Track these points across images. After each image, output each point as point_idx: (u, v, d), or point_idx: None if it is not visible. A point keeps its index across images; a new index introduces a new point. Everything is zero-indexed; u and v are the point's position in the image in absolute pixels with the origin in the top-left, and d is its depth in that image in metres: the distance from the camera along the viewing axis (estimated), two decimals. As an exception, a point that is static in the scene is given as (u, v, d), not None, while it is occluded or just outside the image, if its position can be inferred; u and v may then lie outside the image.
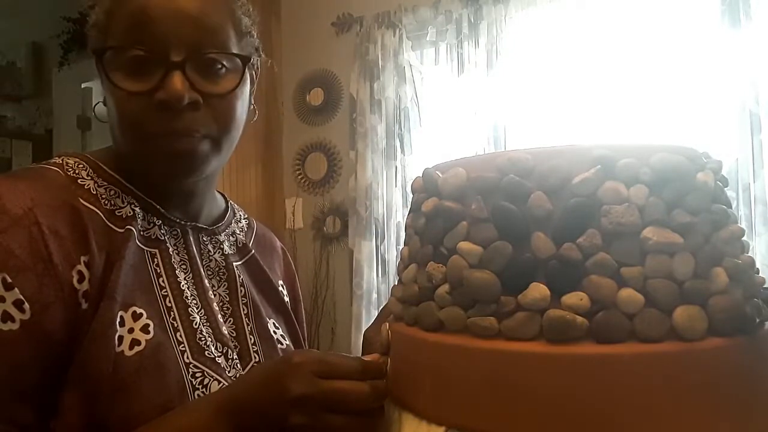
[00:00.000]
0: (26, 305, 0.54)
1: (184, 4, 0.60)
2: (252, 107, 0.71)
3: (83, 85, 3.56)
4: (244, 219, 0.84)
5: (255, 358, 0.71)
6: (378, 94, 2.50)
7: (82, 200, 0.62)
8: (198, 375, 0.62)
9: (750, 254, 0.44)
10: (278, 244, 0.89)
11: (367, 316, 2.46)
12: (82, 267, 0.58)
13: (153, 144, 0.61)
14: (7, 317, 0.53)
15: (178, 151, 0.61)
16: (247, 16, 0.68)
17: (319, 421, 0.50)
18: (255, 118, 0.70)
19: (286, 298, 0.83)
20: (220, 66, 0.63)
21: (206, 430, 0.53)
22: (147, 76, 0.60)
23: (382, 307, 0.73)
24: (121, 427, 0.56)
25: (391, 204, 2.50)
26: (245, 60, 0.64)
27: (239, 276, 0.75)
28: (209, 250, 0.74)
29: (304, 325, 0.88)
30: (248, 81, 0.68)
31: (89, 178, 0.64)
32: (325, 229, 2.77)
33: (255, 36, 0.70)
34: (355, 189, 2.54)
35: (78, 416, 0.55)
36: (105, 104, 0.66)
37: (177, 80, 0.59)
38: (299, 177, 2.84)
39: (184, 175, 0.65)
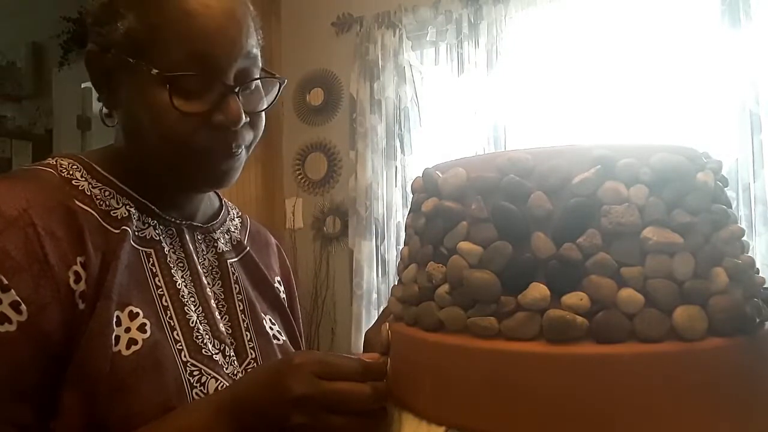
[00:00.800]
0: (23, 306, 0.54)
1: (234, 27, 0.62)
2: None
3: (83, 85, 3.55)
4: (237, 216, 0.84)
5: (251, 354, 0.71)
6: (378, 94, 2.50)
7: (76, 201, 0.62)
8: (196, 373, 0.62)
9: (750, 254, 0.44)
10: (273, 240, 0.90)
11: (367, 316, 2.46)
12: (78, 267, 0.58)
13: (199, 161, 0.64)
14: (4, 319, 0.53)
15: (225, 170, 0.66)
16: (259, 32, 0.70)
17: (319, 422, 0.50)
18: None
19: (282, 295, 0.84)
20: (254, 85, 0.67)
21: (207, 431, 0.53)
22: (201, 99, 0.61)
23: (383, 308, 0.73)
24: (120, 426, 0.56)
25: (391, 204, 2.50)
26: (281, 81, 0.70)
27: (233, 273, 0.75)
28: (203, 248, 0.74)
29: (301, 321, 0.88)
30: None
31: (83, 179, 0.65)
32: (325, 229, 2.77)
33: (262, 44, 0.72)
34: (355, 189, 2.54)
35: (77, 416, 0.56)
36: (108, 111, 0.67)
37: (235, 104, 0.62)
38: (299, 177, 2.84)
39: (220, 188, 0.68)
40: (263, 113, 0.68)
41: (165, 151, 0.63)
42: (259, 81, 0.67)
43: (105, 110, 0.68)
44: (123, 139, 0.68)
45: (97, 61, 0.65)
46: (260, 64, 0.67)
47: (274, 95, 0.69)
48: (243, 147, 0.66)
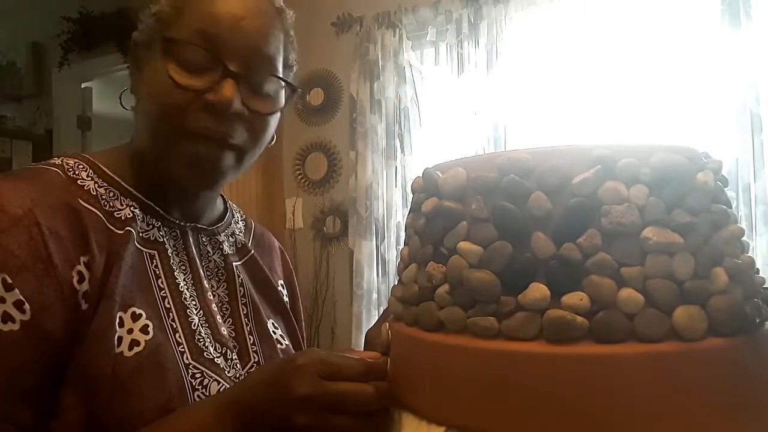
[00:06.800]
0: (26, 306, 0.54)
1: (252, 23, 0.64)
2: (275, 133, 0.73)
3: (83, 85, 3.56)
4: (242, 219, 0.84)
5: (254, 358, 0.71)
6: (378, 94, 2.50)
7: (81, 201, 0.62)
8: (197, 376, 0.62)
9: (750, 254, 0.44)
10: (276, 243, 0.90)
11: (367, 316, 2.46)
12: (82, 267, 0.58)
13: (181, 141, 0.63)
14: (8, 318, 0.53)
15: (203, 157, 0.63)
16: (293, 51, 0.71)
17: (322, 422, 0.50)
18: (273, 143, 0.72)
19: (286, 298, 0.84)
20: (266, 88, 0.66)
21: (209, 431, 0.53)
22: (200, 76, 0.62)
23: (383, 308, 0.73)
24: (121, 427, 0.56)
25: (391, 204, 2.50)
26: (293, 88, 0.70)
27: (239, 276, 0.75)
28: (208, 251, 0.74)
29: (303, 324, 0.88)
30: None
31: (89, 179, 0.65)
32: (325, 229, 2.77)
33: (295, 72, 0.73)
34: (355, 189, 2.54)
35: (78, 416, 0.56)
36: (132, 92, 0.68)
37: (229, 87, 0.61)
38: (299, 177, 2.84)
39: (200, 181, 0.66)
40: (268, 121, 0.67)
41: (157, 128, 0.64)
42: (277, 91, 0.67)
43: (132, 99, 0.69)
44: (136, 125, 0.68)
45: (134, 47, 0.67)
46: (278, 72, 0.67)
47: (283, 103, 0.69)
48: (234, 147, 0.64)
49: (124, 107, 0.70)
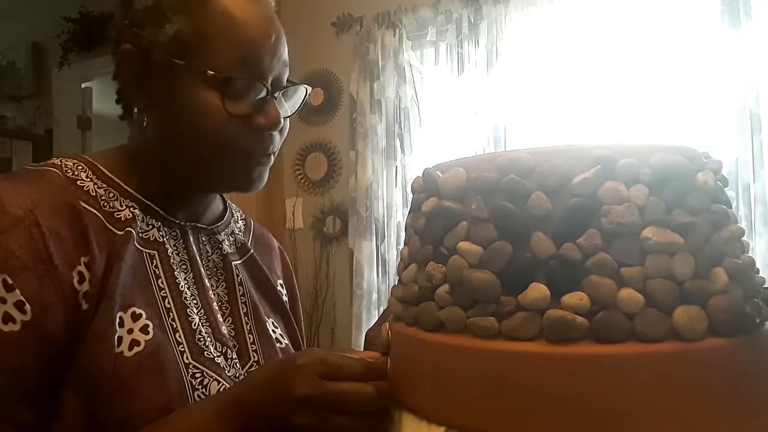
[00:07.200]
0: (27, 306, 0.54)
1: (277, 37, 0.66)
2: None
3: (83, 85, 3.56)
4: (241, 219, 0.84)
5: (254, 357, 0.71)
6: (378, 94, 2.50)
7: (81, 202, 0.62)
8: (198, 375, 0.62)
9: (750, 254, 0.44)
10: (275, 243, 0.90)
11: (367, 316, 2.46)
12: (82, 268, 0.58)
13: (235, 162, 0.66)
14: (8, 318, 0.53)
15: (258, 174, 0.68)
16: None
17: (322, 422, 0.50)
18: None
19: (285, 298, 0.84)
20: (285, 91, 0.70)
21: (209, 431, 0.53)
22: (244, 100, 0.64)
23: (383, 308, 0.74)
24: (121, 427, 0.56)
25: (391, 204, 2.50)
26: (307, 89, 0.73)
27: (238, 275, 0.75)
28: (207, 250, 0.74)
29: (302, 324, 0.89)
30: None
31: (88, 179, 0.65)
32: (325, 229, 2.77)
33: None
34: (355, 189, 2.54)
35: (78, 416, 0.56)
36: (137, 109, 0.67)
37: (274, 107, 0.65)
38: (299, 177, 2.84)
39: (249, 191, 0.70)
40: (288, 119, 0.71)
41: (203, 152, 0.65)
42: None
43: (135, 110, 0.68)
44: (149, 138, 0.67)
45: (133, 61, 0.64)
46: (288, 74, 0.70)
47: (300, 102, 0.72)
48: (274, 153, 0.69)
49: (125, 119, 0.70)
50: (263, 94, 0.65)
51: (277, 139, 0.69)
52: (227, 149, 0.64)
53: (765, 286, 0.44)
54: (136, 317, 0.61)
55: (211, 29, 0.62)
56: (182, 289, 0.67)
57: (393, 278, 2.49)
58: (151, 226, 0.67)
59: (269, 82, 0.65)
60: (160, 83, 0.64)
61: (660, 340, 0.38)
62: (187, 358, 0.63)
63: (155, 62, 0.63)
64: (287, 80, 0.70)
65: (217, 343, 0.67)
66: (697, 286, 0.39)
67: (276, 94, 0.66)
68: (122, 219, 0.64)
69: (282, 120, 0.66)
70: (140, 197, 0.67)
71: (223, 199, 0.82)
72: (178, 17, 0.62)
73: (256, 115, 0.64)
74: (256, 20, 0.64)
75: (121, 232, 0.63)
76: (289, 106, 0.71)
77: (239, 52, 0.63)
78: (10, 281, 0.54)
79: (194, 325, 0.65)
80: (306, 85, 0.73)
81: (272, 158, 0.70)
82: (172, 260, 0.68)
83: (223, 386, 0.64)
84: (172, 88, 0.63)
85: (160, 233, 0.68)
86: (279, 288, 0.83)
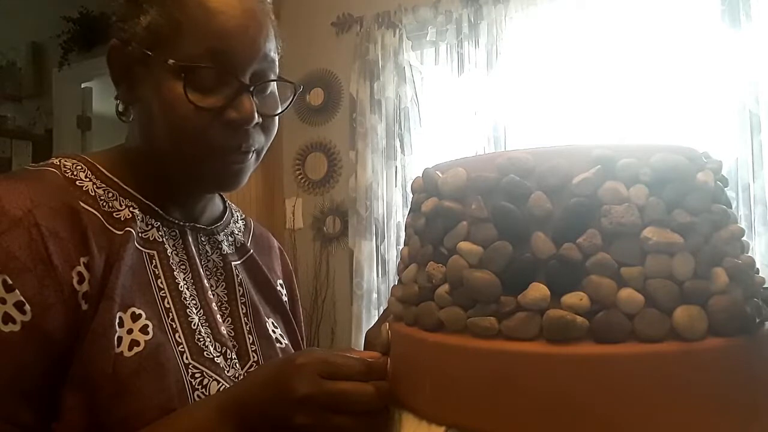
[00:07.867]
0: (27, 306, 0.54)
1: (254, 28, 0.64)
2: None
3: (83, 85, 3.56)
4: (241, 219, 0.84)
5: (254, 357, 0.71)
6: (378, 94, 2.50)
7: (80, 202, 0.62)
8: (197, 375, 0.62)
9: (750, 254, 0.44)
10: (275, 243, 0.90)
11: (367, 316, 2.46)
12: (81, 268, 0.58)
13: (212, 158, 0.64)
14: (8, 319, 0.53)
15: (234, 171, 0.66)
16: (278, 36, 0.71)
17: (323, 422, 0.50)
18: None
19: (285, 298, 0.84)
20: (270, 88, 0.68)
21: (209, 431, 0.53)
22: (216, 94, 0.62)
23: (383, 308, 0.74)
24: (121, 427, 0.56)
25: (391, 204, 2.50)
26: (296, 87, 0.71)
27: (237, 276, 0.75)
28: (207, 251, 0.74)
29: (302, 324, 0.88)
30: None
31: (87, 179, 0.65)
32: (325, 229, 2.77)
33: (280, 52, 0.73)
34: (355, 189, 2.54)
35: (79, 417, 0.56)
36: (123, 106, 0.67)
37: (247, 101, 0.63)
38: (299, 177, 2.84)
39: (229, 189, 0.69)
40: (276, 118, 0.69)
41: (177, 147, 0.64)
42: (275, 87, 0.68)
43: (121, 106, 0.69)
44: (137, 135, 0.68)
45: (118, 56, 0.65)
46: (277, 70, 0.68)
47: (288, 101, 0.71)
48: (254, 150, 0.67)
49: (123, 121, 0.70)
50: (236, 88, 0.63)
51: (257, 137, 0.66)
52: (199, 143, 0.63)
53: (765, 286, 0.44)
54: (135, 317, 0.61)
55: (183, 19, 0.62)
56: (182, 290, 0.67)
57: (393, 278, 2.49)
58: (150, 226, 0.67)
59: (246, 77, 0.63)
60: (139, 77, 0.64)
61: (660, 340, 0.38)
62: (186, 359, 0.62)
63: (133, 55, 0.63)
64: (279, 78, 0.68)
65: (217, 344, 0.67)
66: (697, 286, 0.39)
67: (251, 89, 0.63)
68: (121, 219, 0.64)
69: (256, 116, 0.63)
70: (139, 197, 0.67)
71: (222, 199, 0.82)
72: (153, 8, 0.63)
73: (229, 109, 0.63)
74: (232, 11, 0.62)
75: (121, 232, 0.63)
76: (272, 102, 0.69)
77: (209, 42, 0.61)
78: (10, 282, 0.54)
79: (194, 325, 0.65)
80: (294, 83, 0.71)
81: (251, 156, 0.67)
82: (171, 260, 0.68)
83: (223, 386, 0.64)
84: (147, 81, 0.63)
85: (160, 233, 0.68)
86: (279, 288, 0.83)
